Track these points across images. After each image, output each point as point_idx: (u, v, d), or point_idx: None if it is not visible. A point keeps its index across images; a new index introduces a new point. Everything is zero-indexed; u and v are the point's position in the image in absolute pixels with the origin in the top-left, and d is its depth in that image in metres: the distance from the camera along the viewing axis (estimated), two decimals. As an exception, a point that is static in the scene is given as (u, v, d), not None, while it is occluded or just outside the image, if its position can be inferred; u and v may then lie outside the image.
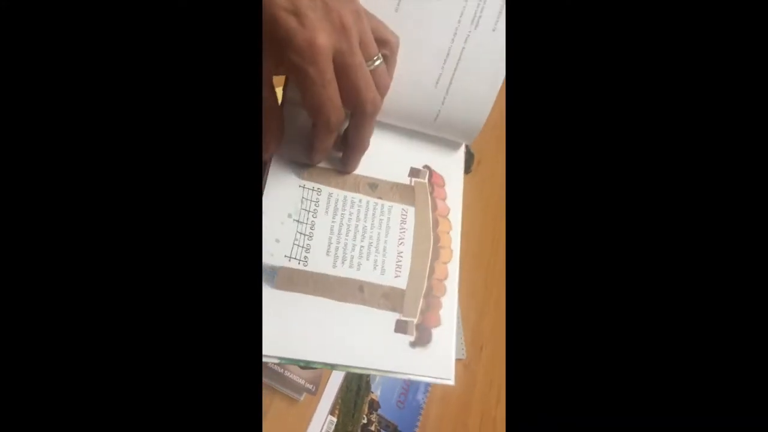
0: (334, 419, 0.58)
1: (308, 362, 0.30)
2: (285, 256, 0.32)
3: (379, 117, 0.33)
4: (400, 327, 0.32)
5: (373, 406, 0.62)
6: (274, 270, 0.31)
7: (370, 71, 0.30)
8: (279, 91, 0.33)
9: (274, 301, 0.30)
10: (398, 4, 0.32)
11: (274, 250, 0.31)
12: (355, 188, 0.34)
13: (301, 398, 0.56)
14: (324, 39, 0.27)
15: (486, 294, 0.73)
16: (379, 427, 0.61)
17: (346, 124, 0.33)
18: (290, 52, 0.27)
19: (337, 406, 0.59)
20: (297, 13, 0.26)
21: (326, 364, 0.30)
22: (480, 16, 0.33)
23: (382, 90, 0.32)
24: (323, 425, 0.57)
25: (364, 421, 0.60)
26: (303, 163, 0.34)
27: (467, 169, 0.39)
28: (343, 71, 0.29)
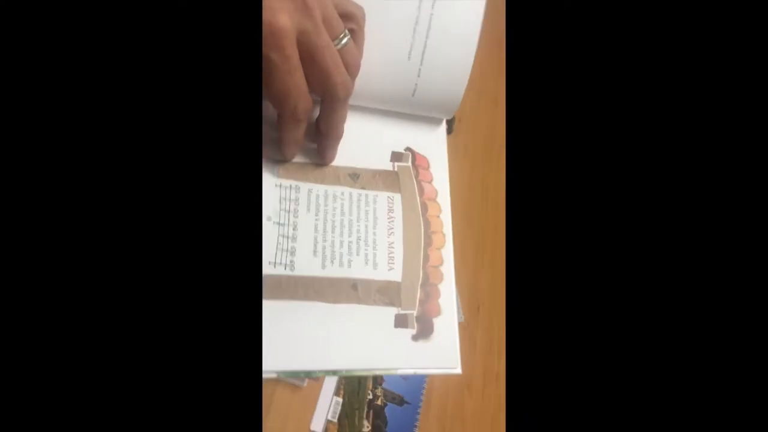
0: (340, 399, 0.58)
1: (309, 373, 0.28)
2: (269, 262, 0.30)
3: (352, 100, 0.30)
4: (400, 321, 0.31)
5: (377, 380, 0.61)
6: (261, 279, 0.29)
7: (338, 51, 0.28)
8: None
9: (264, 313, 0.29)
10: (359, -25, 0.29)
11: None
12: (336, 180, 0.32)
13: (304, 384, 0.56)
14: (286, 20, 0.25)
15: (479, 253, 0.73)
16: (385, 401, 0.61)
17: (317, 112, 0.31)
18: None
19: (342, 386, 0.58)
20: None
21: (328, 371, 0.29)
22: None
23: (352, 70, 0.29)
24: (329, 407, 0.57)
25: (370, 396, 0.60)
26: (277, 160, 0.31)
27: (449, 130, 0.37)
28: (309, 54, 0.26)
